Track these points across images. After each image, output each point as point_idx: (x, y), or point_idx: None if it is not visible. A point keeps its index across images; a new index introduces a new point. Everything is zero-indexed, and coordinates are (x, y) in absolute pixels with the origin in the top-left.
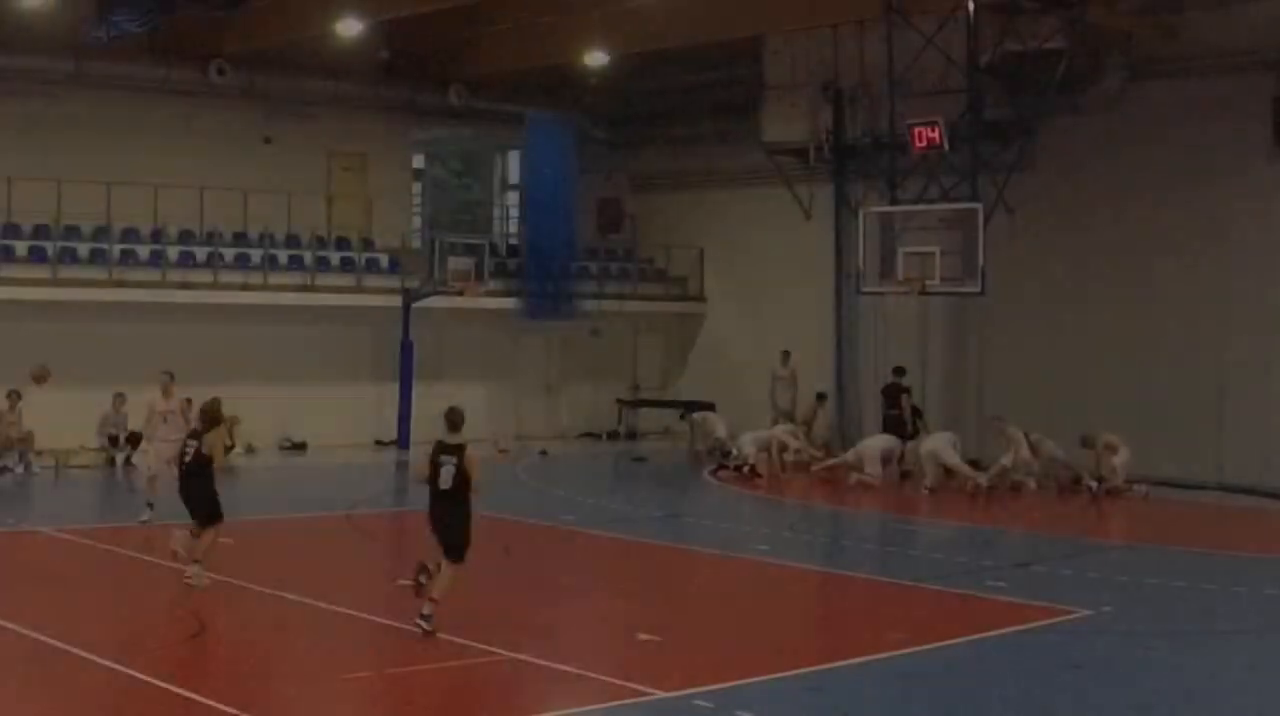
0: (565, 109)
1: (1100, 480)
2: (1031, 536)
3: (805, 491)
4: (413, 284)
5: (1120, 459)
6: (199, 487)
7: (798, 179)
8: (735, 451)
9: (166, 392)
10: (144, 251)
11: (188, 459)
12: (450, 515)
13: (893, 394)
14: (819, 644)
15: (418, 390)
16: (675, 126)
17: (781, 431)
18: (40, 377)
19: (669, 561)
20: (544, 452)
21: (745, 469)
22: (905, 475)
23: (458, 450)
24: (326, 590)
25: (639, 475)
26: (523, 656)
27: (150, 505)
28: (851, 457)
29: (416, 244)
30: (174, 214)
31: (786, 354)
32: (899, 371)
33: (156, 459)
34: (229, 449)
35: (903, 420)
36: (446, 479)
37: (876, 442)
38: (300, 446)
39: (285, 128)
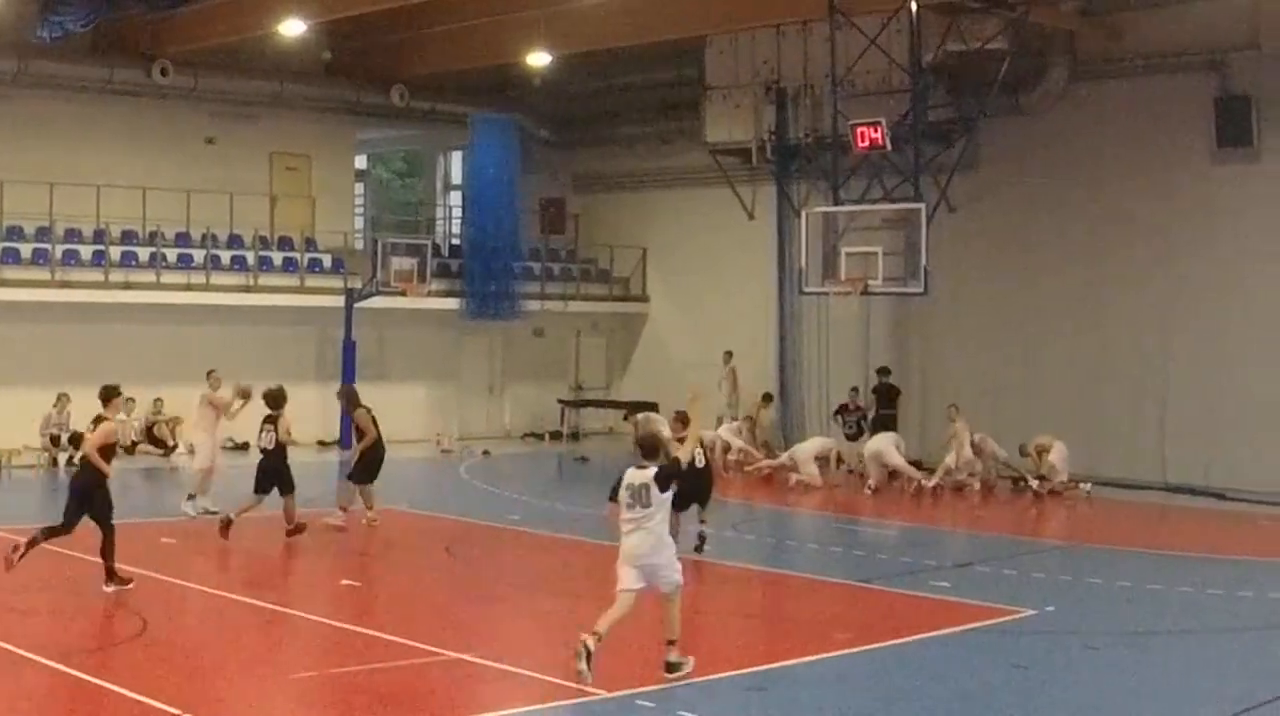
0: (508, 109)
1: (1042, 479)
2: (975, 536)
3: (747, 491)
4: (355, 284)
5: (1056, 456)
6: (279, 464)
7: (740, 179)
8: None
9: (216, 388)
10: (86, 252)
11: (268, 443)
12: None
13: (886, 393)
14: (762, 644)
15: (360, 390)
16: (618, 127)
17: (725, 431)
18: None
19: (612, 561)
20: (486, 453)
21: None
22: (863, 475)
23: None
24: (270, 589)
25: (582, 475)
26: (466, 656)
27: (192, 496)
28: (787, 460)
29: (359, 244)
30: (117, 214)
31: (729, 354)
32: (885, 372)
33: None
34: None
35: (896, 419)
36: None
37: (811, 444)
38: (243, 446)
39: (228, 128)
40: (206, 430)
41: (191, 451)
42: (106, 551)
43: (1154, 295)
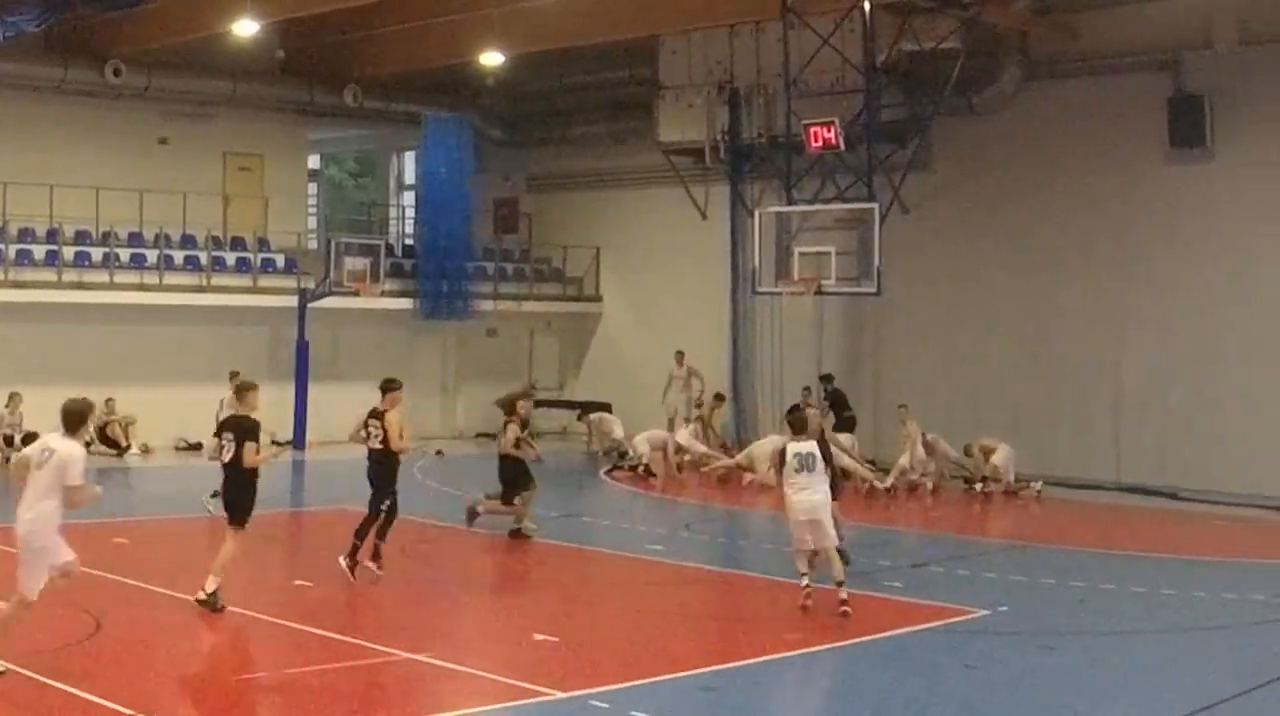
0: (461, 109)
1: (985, 480)
2: (928, 536)
3: (701, 492)
4: (309, 284)
5: (999, 458)
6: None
7: (694, 179)
8: (631, 452)
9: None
10: (39, 252)
11: (376, 443)
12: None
13: (837, 398)
14: (715, 644)
15: (314, 390)
16: (571, 127)
17: (684, 435)
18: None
19: (565, 561)
20: (440, 453)
21: (640, 469)
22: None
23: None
24: (224, 590)
25: (536, 475)
26: (420, 656)
27: (216, 493)
28: (742, 460)
29: (312, 244)
30: (70, 214)
31: (681, 354)
32: (830, 378)
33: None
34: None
35: (854, 420)
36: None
37: (766, 444)
38: (196, 447)
39: (181, 128)
40: None
41: (144, 450)
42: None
43: (1107, 295)
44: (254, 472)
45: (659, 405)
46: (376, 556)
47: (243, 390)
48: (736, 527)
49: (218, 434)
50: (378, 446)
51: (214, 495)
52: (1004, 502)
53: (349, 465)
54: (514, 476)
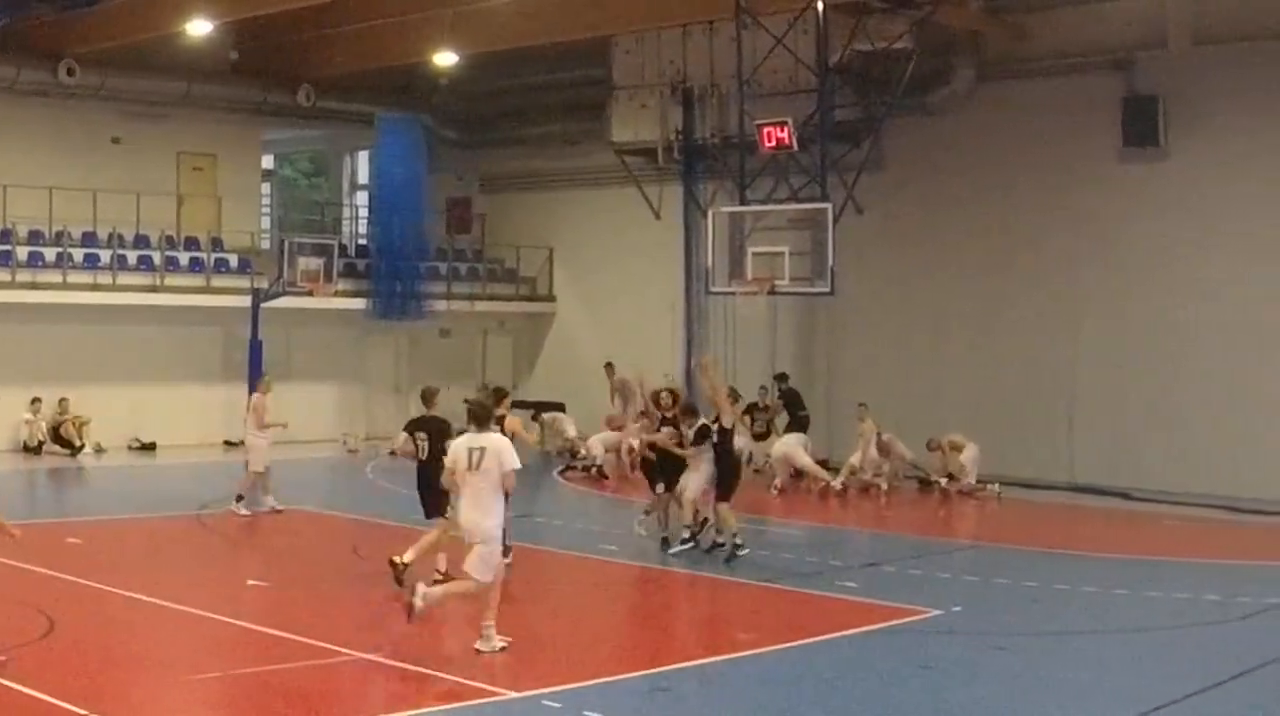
0: (415, 109)
1: (950, 477)
2: (881, 536)
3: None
4: (262, 284)
5: (967, 456)
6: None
7: (647, 179)
8: (584, 452)
9: (267, 392)
10: None
11: (421, 455)
12: None
13: (792, 397)
14: (668, 644)
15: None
16: (525, 127)
17: (635, 432)
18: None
19: (518, 561)
20: (393, 453)
21: (593, 470)
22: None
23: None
24: (176, 590)
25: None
26: (373, 656)
27: (241, 497)
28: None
29: (265, 244)
30: (23, 214)
31: (610, 366)
32: (784, 377)
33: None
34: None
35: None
36: None
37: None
38: (150, 447)
39: (135, 128)
40: (259, 434)
41: (98, 450)
42: None
43: (1061, 295)
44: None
45: (611, 408)
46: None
47: (430, 394)
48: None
49: (410, 432)
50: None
51: (238, 499)
52: (959, 503)
53: (302, 466)
54: None
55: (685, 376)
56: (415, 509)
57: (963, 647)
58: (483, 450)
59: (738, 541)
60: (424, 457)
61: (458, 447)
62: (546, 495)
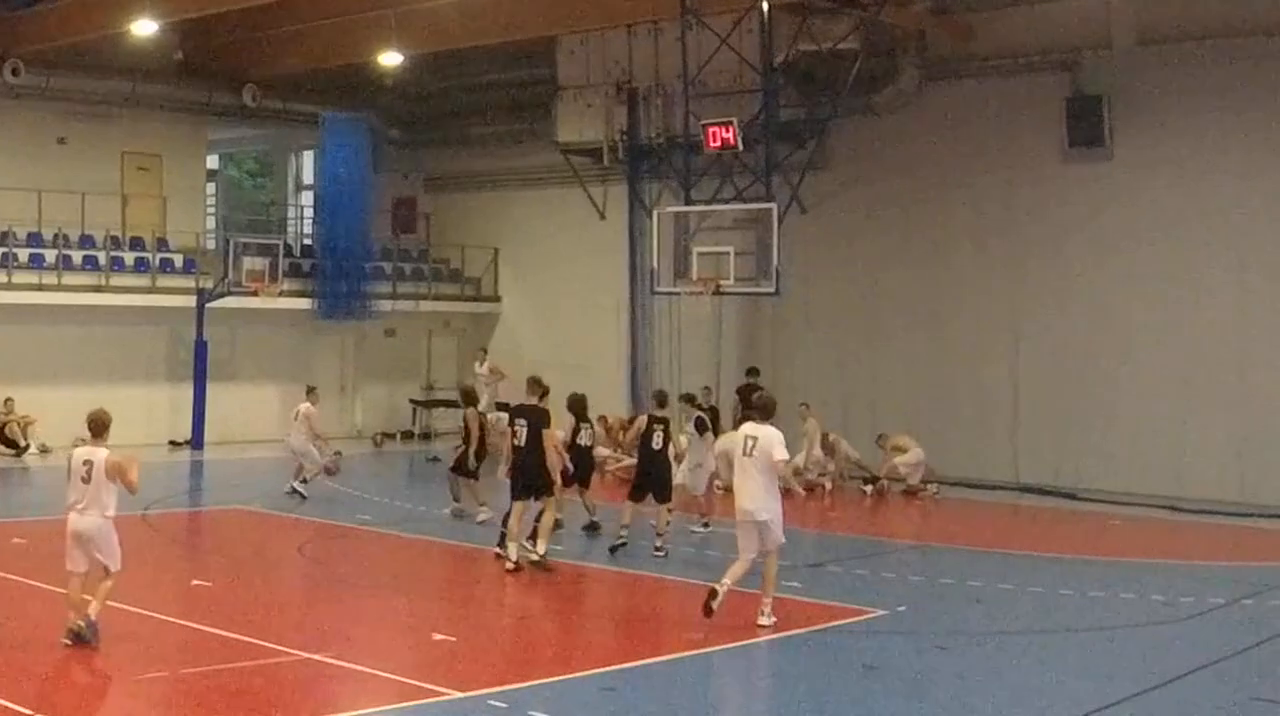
0: (360, 109)
1: (876, 479)
2: (826, 536)
3: (601, 492)
4: (207, 284)
5: (908, 458)
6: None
7: (592, 179)
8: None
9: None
10: None
11: (519, 441)
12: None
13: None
14: (614, 644)
15: (212, 390)
16: (469, 127)
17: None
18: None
19: (464, 561)
20: (338, 453)
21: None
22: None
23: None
24: (122, 590)
25: (433, 475)
26: (319, 656)
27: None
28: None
29: (211, 244)
30: None
31: (484, 352)
32: (755, 372)
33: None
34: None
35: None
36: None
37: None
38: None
39: (80, 128)
40: (310, 441)
41: (43, 450)
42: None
43: (1005, 295)
44: (544, 454)
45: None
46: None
47: (535, 382)
48: (636, 527)
49: (510, 421)
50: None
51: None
52: (903, 504)
53: (247, 464)
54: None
55: (630, 376)
56: (363, 508)
57: (908, 648)
58: (755, 439)
59: (624, 536)
60: (522, 443)
61: (735, 435)
62: (491, 495)
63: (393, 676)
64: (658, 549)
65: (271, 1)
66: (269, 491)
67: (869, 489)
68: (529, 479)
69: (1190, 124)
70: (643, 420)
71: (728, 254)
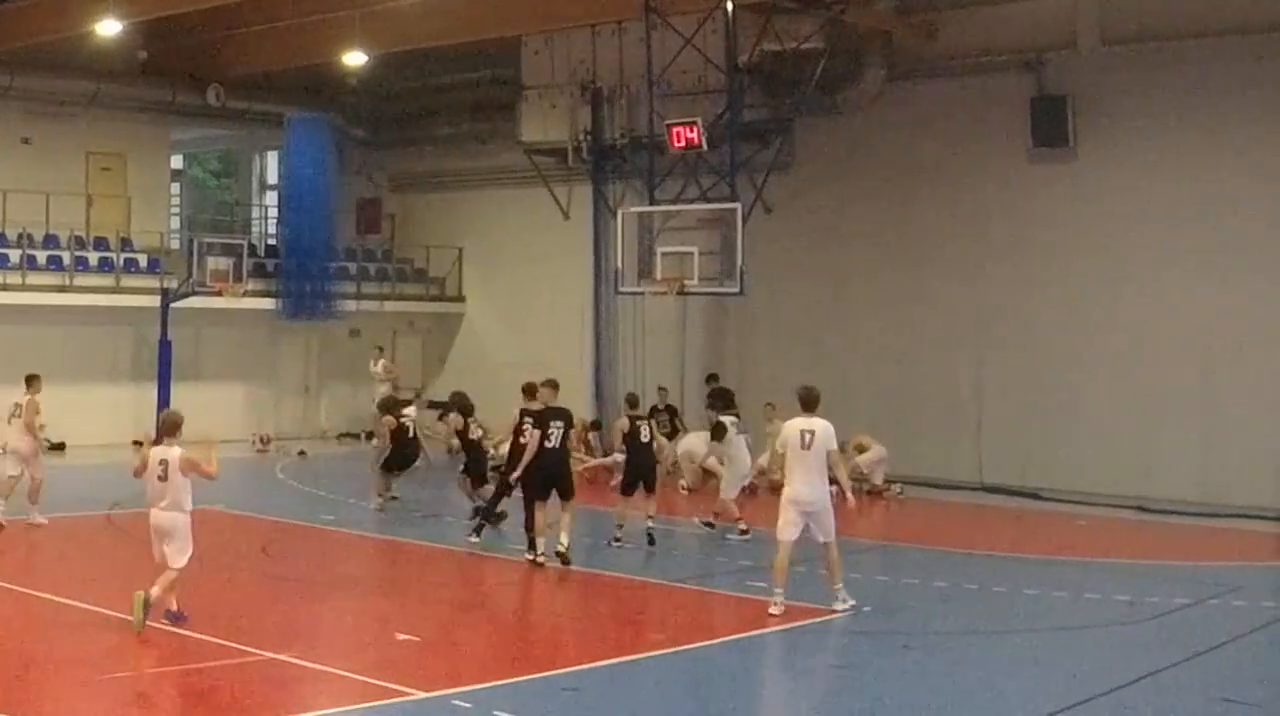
0: (324, 109)
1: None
2: None
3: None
4: (171, 284)
5: (870, 456)
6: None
7: (556, 179)
8: (493, 452)
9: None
10: None
11: (552, 443)
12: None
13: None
14: (578, 644)
15: (176, 390)
16: (434, 127)
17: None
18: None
19: (428, 561)
20: (303, 453)
21: (502, 469)
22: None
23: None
24: (86, 590)
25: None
26: (282, 656)
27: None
28: (609, 462)
29: (175, 244)
30: None
31: (380, 350)
32: (715, 377)
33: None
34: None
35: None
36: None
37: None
38: (59, 447)
39: (44, 128)
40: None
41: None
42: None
43: (970, 295)
44: (568, 454)
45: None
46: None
47: (553, 385)
48: (600, 528)
49: (545, 423)
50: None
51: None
52: (867, 504)
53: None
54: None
55: (594, 376)
56: (328, 508)
57: (873, 647)
58: (813, 432)
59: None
60: (556, 445)
61: (790, 428)
62: (456, 495)
63: (357, 676)
64: (651, 540)
65: (236, 1)
66: (233, 491)
67: (834, 489)
68: (557, 481)
69: (1155, 124)
70: (624, 421)
71: (692, 254)
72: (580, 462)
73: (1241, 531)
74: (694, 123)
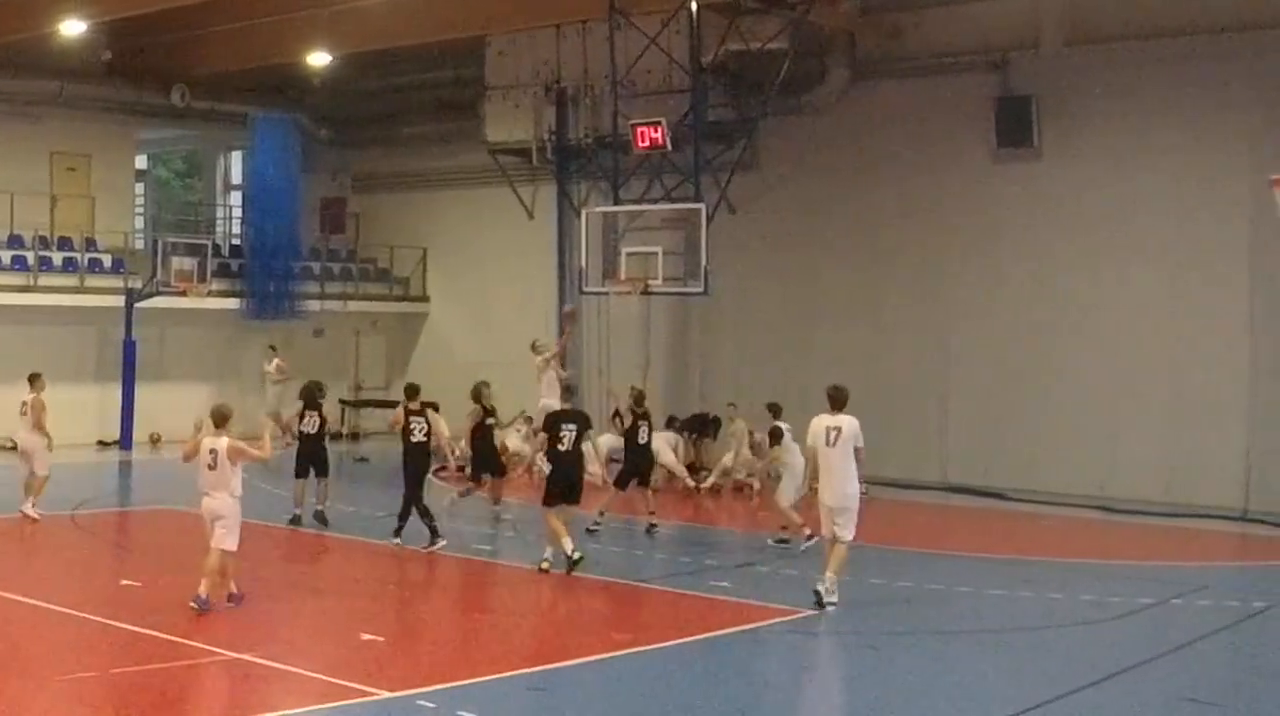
0: (289, 109)
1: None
2: (755, 536)
3: (528, 493)
4: (136, 284)
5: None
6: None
7: (521, 179)
8: (458, 452)
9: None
10: None
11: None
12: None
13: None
14: (543, 644)
15: (140, 390)
16: (399, 127)
17: (514, 436)
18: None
19: (392, 562)
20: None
21: (466, 469)
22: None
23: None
24: (50, 590)
25: (361, 475)
26: (247, 656)
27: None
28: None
29: (139, 244)
30: None
31: (273, 348)
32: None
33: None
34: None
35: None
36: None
37: (602, 442)
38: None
39: (8, 128)
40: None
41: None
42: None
43: (934, 294)
44: (583, 457)
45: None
46: None
47: (569, 390)
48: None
49: (557, 427)
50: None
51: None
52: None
53: (175, 464)
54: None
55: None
56: (287, 508)
57: (837, 648)
58: (838, 429)
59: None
60: (569, 448)
61: (816, 426)
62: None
63: (321, 676)
64: (653, 526)
65: (200, 1)
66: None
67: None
68: (573, 482)
69: (1119, 124)
70: (627, 415)
71: (656, 254)
72: (537, 464)
73: (1205, 531)
74: (658, 123)
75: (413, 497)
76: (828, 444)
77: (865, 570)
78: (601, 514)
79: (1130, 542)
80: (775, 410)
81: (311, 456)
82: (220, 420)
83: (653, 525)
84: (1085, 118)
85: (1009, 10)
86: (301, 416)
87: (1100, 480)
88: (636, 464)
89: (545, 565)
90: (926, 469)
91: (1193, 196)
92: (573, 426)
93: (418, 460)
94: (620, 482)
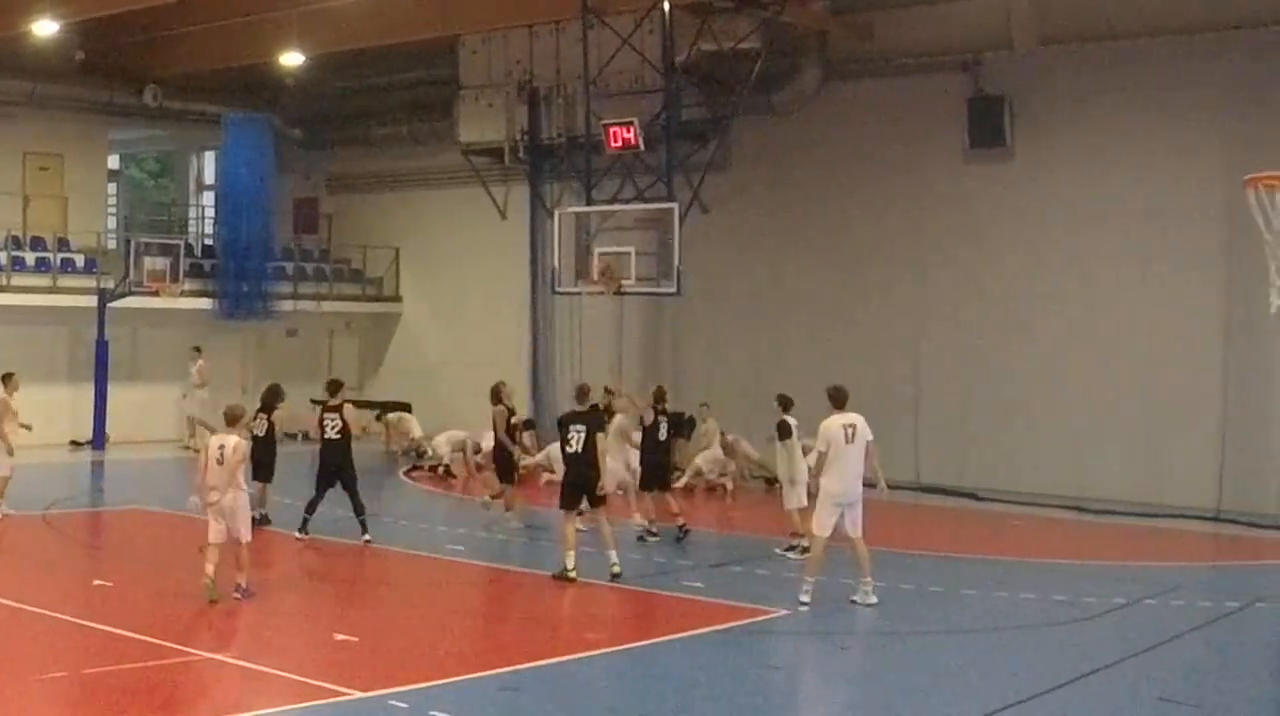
0: (262, 109)
1: (776, 480)
2: (728, 536)
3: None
4: (108, 284)
5: (808, 460)
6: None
7: (493, 179)
8: (430, 452)
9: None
10: None
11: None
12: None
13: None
14: (515, 644)
15: (113, 390)
16: (371, 127)
17: (487, 437)
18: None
19: (365, 561)
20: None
21: (440, 470)
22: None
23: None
24: (23, 590)
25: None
26: (220, 656)
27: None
28: (542, 459)
29: (112, 244)
30: None
31: (197, 350)
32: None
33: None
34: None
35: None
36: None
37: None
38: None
39: None
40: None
41: None
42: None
43: (906, 295)
44: (598, 460)
45: (457, 405)
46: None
47: (584, 391)
48: (535, 528)
49: (565, 428)
50: (336, 436)
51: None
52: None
53: (148, 464)
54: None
55: (531, 376)
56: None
57: (809, 648)
58: (855, 426)
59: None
60: (578, 450)
61: (832, 426)
62: (393, 495)
63: (294, 676)
64: (683, 528)
65: (173, 1)
66: (168, 490)
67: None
68: (586, 485)
69: (1091, 124)
70: (649, 413)
71: (629, 254)
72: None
73: (1178, 532)
74: (631, 123)
75: (319, 496)
76: (847, 441)
77: (838, 570)
78: (652, 521)
79: (1103, 543)
80: (785, 402)
81: (257, 460)
82: (232, 419)
83: (683, 527)
84: (1058, 118)
85: (981, 10)
86: (255, 417)
87: (1073, 480)
88: (658, 461)
89: (572, 573)
90: (899, 468)
91: (1165, 197)
92: (582, 427)
93: (330, 456)
94: (646, 485)
